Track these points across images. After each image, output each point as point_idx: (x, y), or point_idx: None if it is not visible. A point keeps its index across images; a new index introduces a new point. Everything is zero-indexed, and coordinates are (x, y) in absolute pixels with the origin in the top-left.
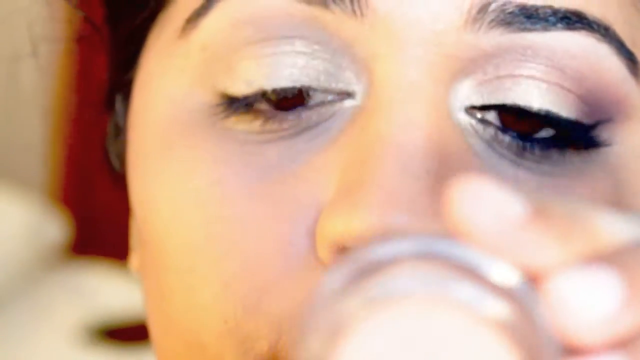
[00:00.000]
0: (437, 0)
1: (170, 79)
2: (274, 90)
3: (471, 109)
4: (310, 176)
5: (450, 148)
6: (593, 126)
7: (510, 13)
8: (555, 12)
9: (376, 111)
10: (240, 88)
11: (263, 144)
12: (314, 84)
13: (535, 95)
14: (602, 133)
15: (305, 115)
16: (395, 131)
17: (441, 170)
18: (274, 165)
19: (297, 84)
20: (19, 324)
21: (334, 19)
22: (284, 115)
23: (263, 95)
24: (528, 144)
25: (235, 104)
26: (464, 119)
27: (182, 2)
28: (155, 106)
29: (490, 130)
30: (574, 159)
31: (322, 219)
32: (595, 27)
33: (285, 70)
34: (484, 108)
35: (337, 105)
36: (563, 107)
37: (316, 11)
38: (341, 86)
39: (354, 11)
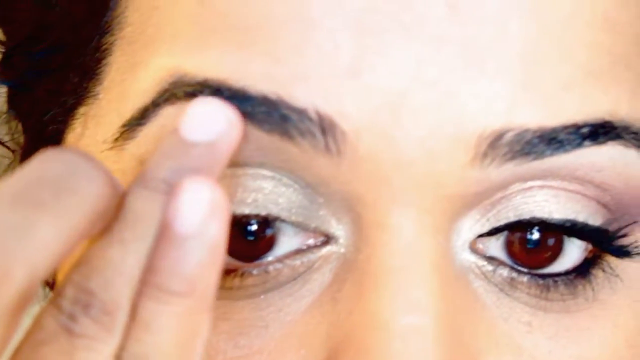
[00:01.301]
0: (435, 136)
1: None
2: (235, 219)
3: (476, 242)
4: (290, 345)
5: (458, 320)
6: (619, 232)
7: (527, 142)
8: (578, 130)
9: (371, 281)
10: None
11: (226, 303)
12: (283, 214)
13: (554, 205)
14: (630, 237)
15: (274, 270)
16: (399, 318)
17: (455, 355)
18: (245, 331)
19: (263, 212)
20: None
21: (301, 152)
22: (248, 269)
23: None
24: (551, 281)
25: None
26: (469, 259)
27: (109, 101)
28: None
29: (503, 272)
30: (599, 286)
31: None
32: (624, 135)
33: (251, 194)
34: (492, 232)
35: (315, 254)
36: (589, 216)
37: (276, 140)
38: (317, 225)
39: (327, 147)
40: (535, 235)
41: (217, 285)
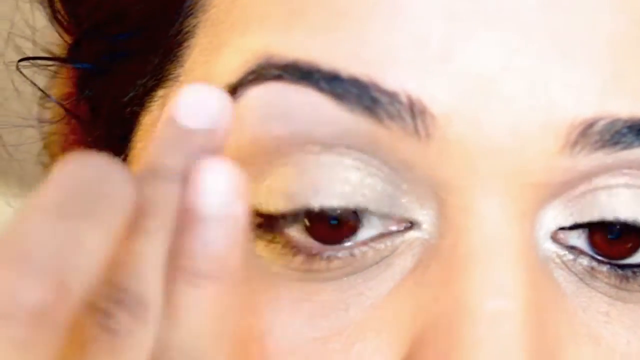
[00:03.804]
0: (525, 123)
1: None
2: (322, 210)
3: (558, 232)
4: (371, 328)
5: (543, 306)
6: None
7: (617, 132)
8: None
9: (457, 266)
10: (277, 203)
11: (308, 284)
12: (371, 206)
13: (638, 206)
14: None
15: (360, 253)
16: (486, 303)
17: (540, 342)
18: (326, 313)
19: (351, 205)
20: None
21: (389, 135)
22: (332, 252)
23: (307, 215)
24: (630, 272)
25: (266, 225)
26: (550, 249)
27: (191, 81)
28: None
29: (583, 261)
30: None
31: None
32: None
33: (337, 185)
34: (574, 227)
35: (398, 238)
36: None
37: (363, 122)
38: (401, 212)
39: (416, 130)
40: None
41: (244, 265)
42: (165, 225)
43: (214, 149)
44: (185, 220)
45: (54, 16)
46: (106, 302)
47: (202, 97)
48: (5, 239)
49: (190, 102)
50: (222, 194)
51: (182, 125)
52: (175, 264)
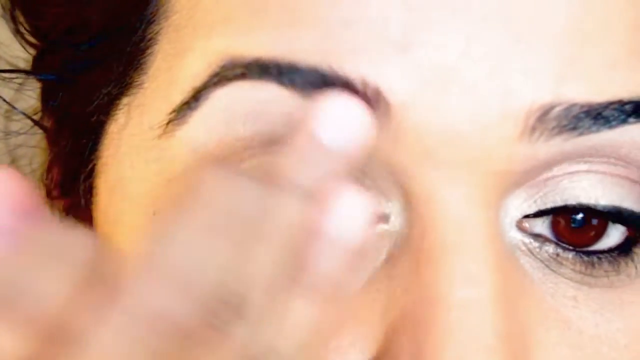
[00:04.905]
0: (485, 110)
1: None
2: None
3: (523, 221)
4: (345, 323)
5: (511, 293)
6: None
7: (574, 117)
8: (623, 106)
9: (426, 256)
10: None
11: None
12: None
13: (599, 190)
14: None
15: None
16: (456, 291)
17: (510, 328)
18: None
19: None
20: None
21: None
22: None
23: None
24: (595, 258)
25: None
26: (516, 237)
27: (156, 90)
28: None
29: (549, 249)
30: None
31: None
32: None
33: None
34: (538, 215)
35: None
36: (634, 202)
37: None
38: None
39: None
40: (580, 215)
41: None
42: (286, 239)
43: (348, 168)
44: (318, 239)
45: (16, 30)
46: (211, 302)
47: (345, 112)
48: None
49: (331, 114)
50: (354, 222)
51: (319, 139)
52: (295, 276)
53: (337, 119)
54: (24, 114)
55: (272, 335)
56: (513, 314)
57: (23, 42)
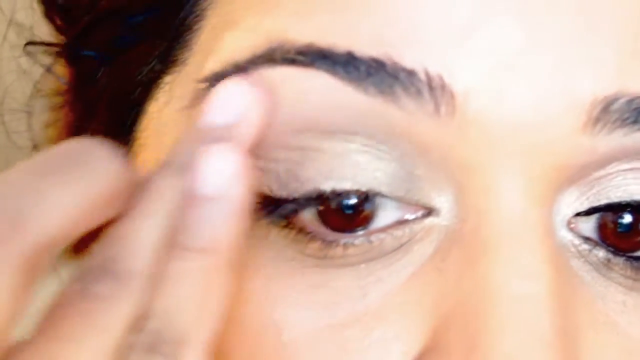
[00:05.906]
0: (549, 98)
1: None
2: (334, 193)
3: (572, 221)
4: (390, 314)
5: (565, 291)
6: None
7: (635, 109)
8: None
9: (480, 249)
10: (288, 186)
11: (324, 271)
12: (384, 189)
13: None
14: None
15: (377, 240)
16: (511, 285)
17: (564, 326)
18: (343, 299)
19: (364, 188)
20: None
21: (405, 117)
22: (349, 239)
23: (318, 198)
24: None
25: (279, 210)
26: (566, 237)
27: (198, 61)
28: None
29: (599, 253)
30: None
31: None
32: None
33: (347, 169)
34: (590, 212)
35: (417, 225)
36: None
37: (378, 104)
38: (417, 198)
39: (436, 109)
40: (627, 218)
41: (240, 245)
42: (165, 208)
43: (236, 141)
44: (188, 199)
45: (46, 12)
46: (93, 270)
47: (231, 93)
48: None
49: (219, 99)
50: (219, 175)
51: (204, 122)
52: (172, 239)
53: (223, 101)
54: (57, 92)
55: (153, 297)
56: (565, 313)
57: (53, 25)
